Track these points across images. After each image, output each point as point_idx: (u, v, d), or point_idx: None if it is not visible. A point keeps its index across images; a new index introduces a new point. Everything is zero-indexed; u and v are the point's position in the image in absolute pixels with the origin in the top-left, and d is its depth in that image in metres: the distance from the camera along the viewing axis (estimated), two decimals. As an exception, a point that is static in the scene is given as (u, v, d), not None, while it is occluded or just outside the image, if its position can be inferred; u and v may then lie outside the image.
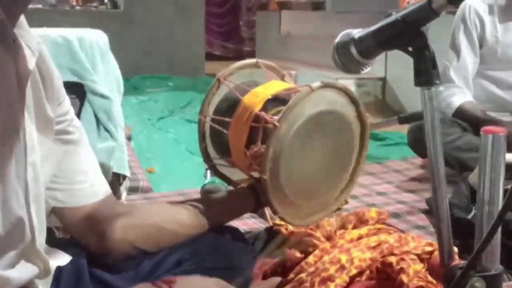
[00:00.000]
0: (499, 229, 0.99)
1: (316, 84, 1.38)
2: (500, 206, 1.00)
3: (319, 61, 5.60)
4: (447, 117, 2.83)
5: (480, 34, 2.83)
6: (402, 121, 2.06)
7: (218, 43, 8.92)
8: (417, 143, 2.74)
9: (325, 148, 1.42)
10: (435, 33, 3.48)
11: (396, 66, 4.74)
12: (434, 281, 1.40)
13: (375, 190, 2.77)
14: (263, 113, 1.36)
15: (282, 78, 1.61)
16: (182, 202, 1.42)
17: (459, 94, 2.83)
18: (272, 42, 7.13)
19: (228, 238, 1.41)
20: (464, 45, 2.84)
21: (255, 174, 1.41)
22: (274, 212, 1.40)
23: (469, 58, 2.84)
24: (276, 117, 1.32)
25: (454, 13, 2.92)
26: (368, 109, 5.41)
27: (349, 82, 4.88)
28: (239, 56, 8.26)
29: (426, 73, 1.04)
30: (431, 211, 2.34)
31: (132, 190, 2.68)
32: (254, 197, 1.44)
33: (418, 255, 1.56)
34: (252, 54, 7.96)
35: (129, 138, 3.71)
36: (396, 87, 4.87)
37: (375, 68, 5.03)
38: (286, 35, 6.98)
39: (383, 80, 4.97)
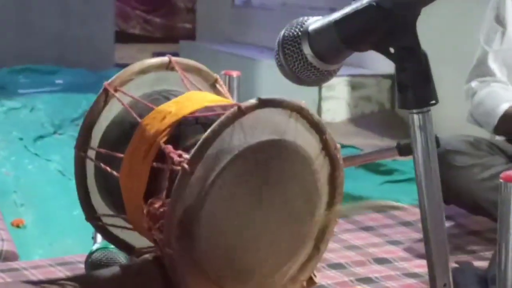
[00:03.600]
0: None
1: (250, 102, 1.40)
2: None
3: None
4: (485, 128, 2.85)
5: None
6: (404, 151, 2.08)
7: (138, 17, 8.93)
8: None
9: (270, 201, 1.44)
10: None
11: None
12: None
13: (372, 255, 2.79)
14: (169, 148, 1.37)
15: (213, 85, 1.63)
16: (48, 283, 1.43)
17: (504, 93, 2.86)
18: (221, 16, 7.18)
19: None
20: None
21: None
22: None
23: None
24: (187, 156, 1.33)
25: None
26: (369, 125, 5.43)
27: (338, 81, 4.92)
28: (172, 37, 8.28)
29: (416, 88, 1.07)
30: (456, 289, 2.38)
31: (-16, 256, 2.66)
32: (162, 276, 1.45)
33: None
34: (191, 34, 7.99)
35: (-15, 171, 3.69)
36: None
37: (379, 59, 5.10)
38: (242, 5, 7.04)
39: (392, 78, 5.04)
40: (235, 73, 2.33)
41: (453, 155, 2.76)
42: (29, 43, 6.50)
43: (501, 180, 1.06)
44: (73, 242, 2.97)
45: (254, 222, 1.44)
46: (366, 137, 4.60)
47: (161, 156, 1.41)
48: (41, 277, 2.36)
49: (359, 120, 4.92)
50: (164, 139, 1.42)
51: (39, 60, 6.33)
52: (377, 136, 4.62)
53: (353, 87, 5.02)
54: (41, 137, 4.53)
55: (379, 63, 5.04)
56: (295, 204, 1.50)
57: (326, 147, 1.53)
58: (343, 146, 4.28)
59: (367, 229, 3.05)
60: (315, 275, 1.66)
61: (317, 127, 1.50)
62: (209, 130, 1.35)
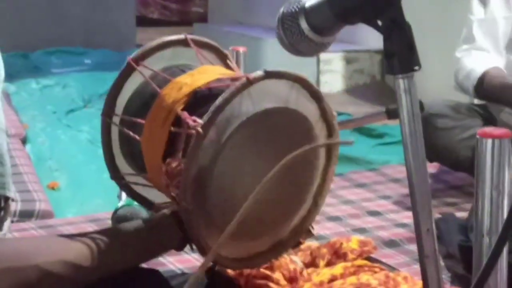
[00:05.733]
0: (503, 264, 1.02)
1: (257, 73, 1.40)
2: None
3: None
4: (467, 92, 2.82)
5: None
6: (392, 114, 2.08)
7: (156, 3, 8.90)
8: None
9: (274, 162, 1.40)
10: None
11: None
12: None
13: (365, 209, 2.80)
14: (185, 114, 1.37)
15: (224, 60, 1.63)
16: (78, 236, 1.43)
17: (483, 59, 2.80)
18: (231, 0, 7.14)
19: (143, 286, 1.42)
20: None
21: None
22: (202, 252, 1.42)
23: (499, 11, 2.83)
24: (200, 121, 1.33)
25: None
26: (362, 95, 5.41)
27: (334, 56, 4.91)
28: (186, 20, 8.24)
29: (401, 55, 1.06)
30: (440, 237, 2.38)
31: (24, 215, 2.66)
32: (180, 229, 1.46)
33: (411, 303, 1.59)
34: (203, 17, 7.96)
35: (23, 141, 3.69)
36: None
37: (370, 36, 5.09)
38: (250, -10, 6.99)
39: (383, 53, 5.02)
40: (241, 49, 2.31)
41: (436, 118, 2.76)
42: (60, 28, 6.48)
43: (477, 136, 1.05)
44: (102, 201, 2.99)
45: (260, 180, 1.44)
46: (359, 105, 4.60)
47: (178, 121, 1.41)
48: (73, 231, 2.37)
49: (353, 91, 4.92)
50: (181, 107, 1.42)
51: (69, 42, 6.32)
52: (369, 104, 4.62)
53: (348, 61, 5.00)
54: (72, 110, 4.54)
55: (371, 40, 5.02)
56: (298, 165, 1.49)
57: (324, 114, 1.52)
58: (339, 114, 4.26)
59: (361, 185, 3.07)
60: (312, 227, 1.66)
61: (316, 96, 1.50)
62: (220, 98, 1.36)
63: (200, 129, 1.33)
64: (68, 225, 2.58)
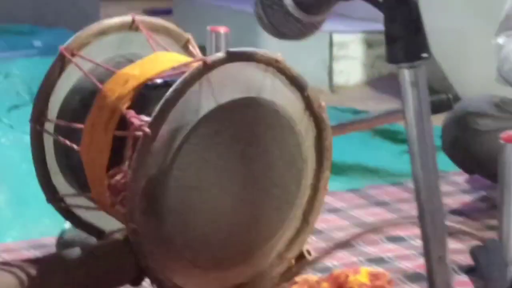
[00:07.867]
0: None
1: (217, 55, 1.40)
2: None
3: None
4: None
5: None
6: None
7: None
8: (457, 148, 2.77)
9: (248, 168, 1.45)
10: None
11: (432, 10, 4.71)
12: None
13: (385, 233, 2.79)
14: (131, 113, 1.36)
15: (185, 46, 1.63)
16: (10, 265, 1.44)
17: None
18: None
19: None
20: None
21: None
22: (160, 286, 1.42)
23: None
24: (148, 119, 1.34)
25: None
26: (387, 87, 5.41)
27: (351, 38, 4.90)
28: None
29: (406, 40, 1.08)
30: (479, 270, 2.39)
31: (-51, 240, 2.68)
32: (136, 258, 1.46)
33: None
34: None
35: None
36: (436, 48, 4.88)
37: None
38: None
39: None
40: (222, 29, 2.28)
41: (475, 118, 2.76)
42: (4, 1, 6.49)
43: (501, 141, 1.08)
44: (50, 223, 2.99)
45: (230, 191, 1.45)
46: (383, 101, 4.59)
47: (124, 123, 1.41)
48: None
49: (376, 82, 4.90)
50: (127, 104, 1.42)
51: (13, 19, 6.32)
52: (396, 100, 4.60)
53: (369, 45, 4.98)
54: (16, 106, 4.54)
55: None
56: (277, 171, 1.50)
57: (309, 105, 1.52)
58: (357, 112, 4.30)
59: (381, 204, 3.07)
60: (309, 253, 1.67)
61: (297, 83, 1.50)
62: (171, 89, 1.35)
63: (147, 129, 1.33)
64: (5, 253, 2.58)
